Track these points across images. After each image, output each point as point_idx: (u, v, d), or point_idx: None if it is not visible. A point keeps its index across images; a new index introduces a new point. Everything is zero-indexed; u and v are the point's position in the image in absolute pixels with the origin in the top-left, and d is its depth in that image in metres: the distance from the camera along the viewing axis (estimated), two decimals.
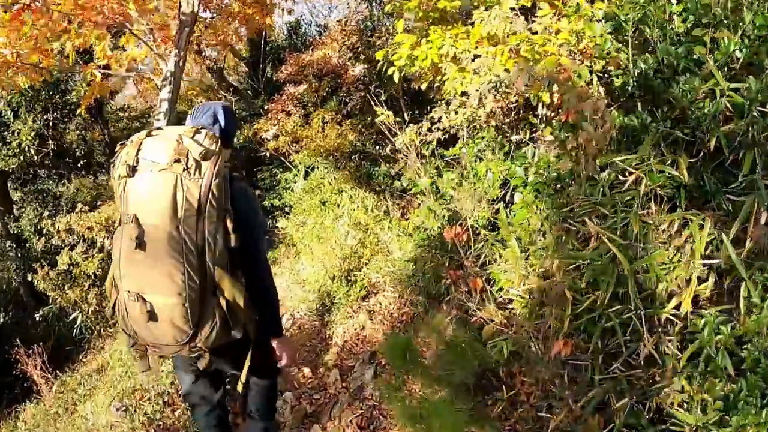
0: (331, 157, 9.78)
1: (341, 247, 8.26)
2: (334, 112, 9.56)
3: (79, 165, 13.86)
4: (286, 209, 10.95)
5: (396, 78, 4.83)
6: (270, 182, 11.88)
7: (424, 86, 5.24)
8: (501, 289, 4.06)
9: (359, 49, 9.59)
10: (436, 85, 5.29)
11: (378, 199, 8.80)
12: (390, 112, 5.39)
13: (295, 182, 10.92)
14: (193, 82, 13.22)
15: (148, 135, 2.31)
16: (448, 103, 5.86)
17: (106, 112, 15.50)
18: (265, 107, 10.91)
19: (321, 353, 6.36)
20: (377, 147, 9.57)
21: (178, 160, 2.19)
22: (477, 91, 4.36)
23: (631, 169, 3.44)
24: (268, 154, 10.63)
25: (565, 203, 4.02)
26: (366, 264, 7.50)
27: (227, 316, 2.31)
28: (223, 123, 2.63)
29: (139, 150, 2.25)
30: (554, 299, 3.24)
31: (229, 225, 2.30)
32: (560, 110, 4.89)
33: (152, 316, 2.23)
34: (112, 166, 2.33)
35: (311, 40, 12.26)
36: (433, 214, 6.44)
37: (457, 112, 4.80)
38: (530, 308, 3.63)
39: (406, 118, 9.58)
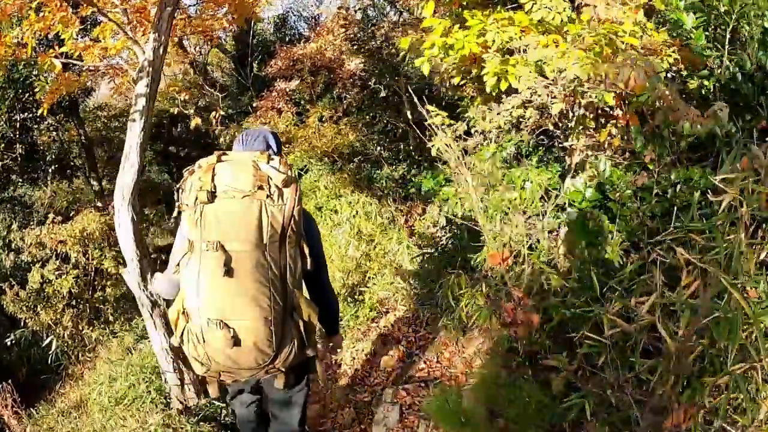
0: (326, 158, 9.04)
1: (342, 259, 7.53)
2: (332, 109, 8.76)
3: (52, 169, 12.88)
4: None
5: (426, 70, 4.06)
6: None
7: (456, 81, 4.49)
8: (564, 328, 3.34)
9: (360, 40, 8.79)
10: (455, 80, 4.57)
11: (381, 205, 8.07)
12: (445, 113, 4.63)
13: None
14: (175, 79, 12.43)
15: (219, 160, 2.28)
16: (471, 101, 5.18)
17: (83, 110, 14.55)
18: (254, 104, 10.13)
19: (330, 384, 5.63)
20: (379, 148, 8.83)
21: (260, 187, 2.18)
22: (530, 89, 3.62)
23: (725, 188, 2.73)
24: None
25: (638, 226, 3.34)
26: (372, 279, 6.77)
27: (303, 335, 2.38)
28: (275, 148, 2.66)
29: (213, 175, 2.22)
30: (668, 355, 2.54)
31: (306, 249, 2.35)
32: (599, 112, 4.23)
33: (236, 341, 2.21)
34: (180, 191, 2.28)
35: (302, 32, 11.46)
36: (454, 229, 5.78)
37: (501, 113, 4.04)
38: (614, 356, 2.92)
39: (410, 117, 8.86)
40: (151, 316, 4.07)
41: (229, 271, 2.14)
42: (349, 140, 8.31)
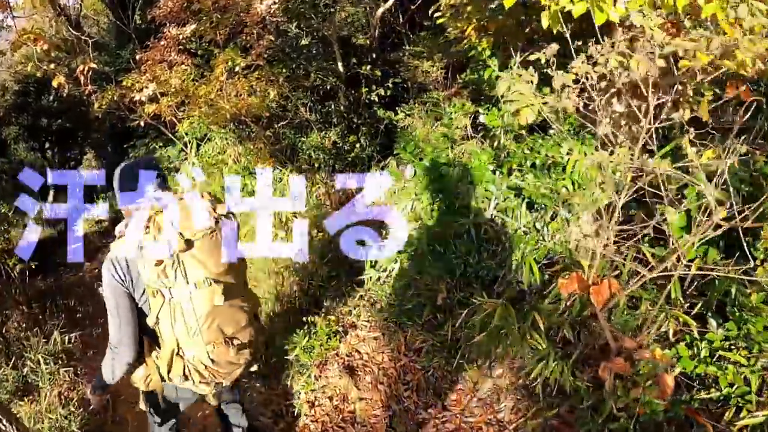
0: (234, 123, 7.05)
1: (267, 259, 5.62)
2: (245, 58, 6.65)
3: None
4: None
5: None
6: None
7: (508, 3, 2.82)
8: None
9: None
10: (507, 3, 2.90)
11: (311, 183, 6.21)
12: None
13: (183, 160, 8.08)
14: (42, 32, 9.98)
15: (160, 211, 2.32)
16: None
17: None
18: (137, 58, 7.93)
19: None
20: (303, 110, 6.90)
21: (217, 221, 2.34)
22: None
23: None
24: (142, 123, 7.64)
25: None
26: (321, 287, 4.95)
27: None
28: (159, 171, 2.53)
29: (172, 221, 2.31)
30: None
31: None
32: None
33: (241, 346, 2.48)
34: (141, 249, 2.27)
35: None
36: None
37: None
38: None
39: (341, 69, 7.00)
40: None
41: (226, 296, 2.34)
42: (269, 99, 6.27)
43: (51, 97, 14.83)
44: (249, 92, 6.25)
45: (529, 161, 3.93)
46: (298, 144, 6.61)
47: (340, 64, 6.92)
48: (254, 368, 2.72)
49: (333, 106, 6.87)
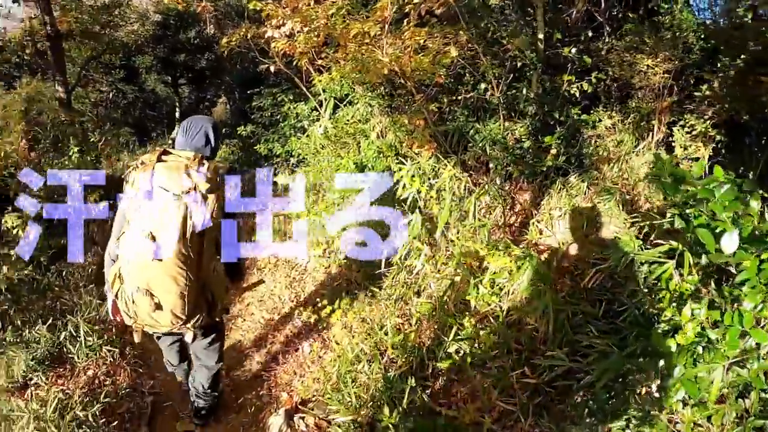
0: (385, 87, 5.33)
1: (397, 284, 3.91)
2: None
3: None
4: (292, 162, 6.55)
5: None
6: (271, 115, 7.37)
7: None
8: None
9: None
10: None
11: (481, 189, 4.36)
12: None
13: (314, 121, 6.47)
14: None
15: (159, 160, 2.66)
16: None
17: None
18: None
19: None
20: (485, 86, 5.03)
21: (188, 192, 2.59)
22: None
23: None
24: (273, 69, 6.10)
25: None
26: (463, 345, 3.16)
27: (210, 307, 2.92)
28: (213, 143, 2.92)
29: (153, 174, 2.61)
30: None
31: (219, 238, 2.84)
32: None
33: (158, 307, 2.68)
34: (125, 182, 2.65)
35: None
36: None
37: None
38: None
39: (541, 45, 5.09)
40: None
41: (157, 256, 2.57)
42: (445, 61, 4.38)
43: (191, 33, 13.99)
44: (416, 48, 4.43)
45: None
46: (469, 131, 4.79)
47: (541, 37, 5.02)
48: (188, 339, 2.99)
49: (524, 91, 4.97)
